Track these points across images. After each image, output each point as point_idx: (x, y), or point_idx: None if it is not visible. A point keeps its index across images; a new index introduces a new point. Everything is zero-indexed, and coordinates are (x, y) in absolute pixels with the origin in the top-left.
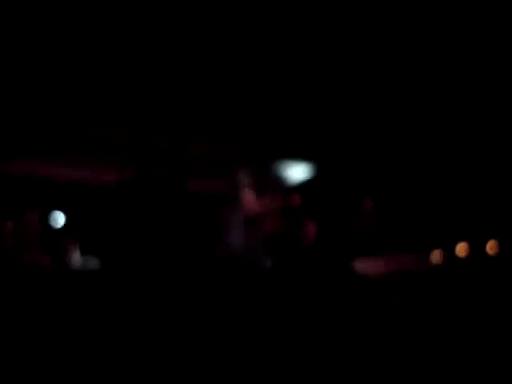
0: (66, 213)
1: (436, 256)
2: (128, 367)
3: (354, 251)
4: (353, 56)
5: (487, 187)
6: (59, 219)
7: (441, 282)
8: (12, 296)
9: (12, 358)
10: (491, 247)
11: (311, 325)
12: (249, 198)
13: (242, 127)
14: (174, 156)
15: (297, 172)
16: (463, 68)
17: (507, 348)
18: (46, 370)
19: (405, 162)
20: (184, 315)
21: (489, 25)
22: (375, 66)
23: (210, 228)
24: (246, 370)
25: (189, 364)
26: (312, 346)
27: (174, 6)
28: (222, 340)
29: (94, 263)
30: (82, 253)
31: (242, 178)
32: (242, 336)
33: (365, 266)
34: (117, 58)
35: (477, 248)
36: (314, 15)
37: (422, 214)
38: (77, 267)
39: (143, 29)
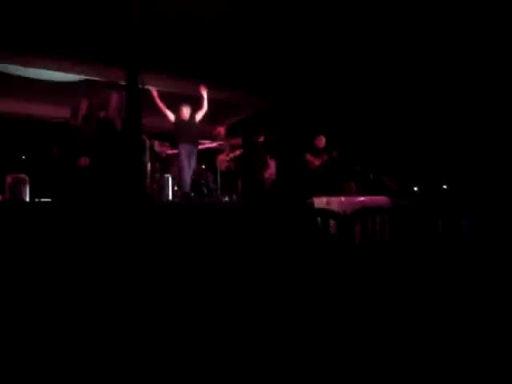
0: (17, 148)
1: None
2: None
3: (311, 187)
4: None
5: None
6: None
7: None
8: None
9: None
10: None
11: (272, 259)
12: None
13: (202, 60)
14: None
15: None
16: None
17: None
18: None
19: (365, 99)
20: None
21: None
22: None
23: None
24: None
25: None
26: (274, 280)
27: None
28: (184, 279)
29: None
30: (33, 188)
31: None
32: (201, 275)
33: (327, 202)
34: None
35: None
36: None
37: (379, 151)
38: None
39: None
